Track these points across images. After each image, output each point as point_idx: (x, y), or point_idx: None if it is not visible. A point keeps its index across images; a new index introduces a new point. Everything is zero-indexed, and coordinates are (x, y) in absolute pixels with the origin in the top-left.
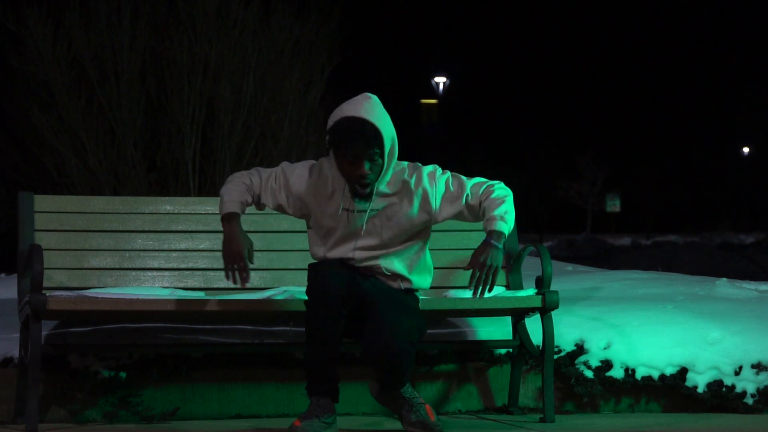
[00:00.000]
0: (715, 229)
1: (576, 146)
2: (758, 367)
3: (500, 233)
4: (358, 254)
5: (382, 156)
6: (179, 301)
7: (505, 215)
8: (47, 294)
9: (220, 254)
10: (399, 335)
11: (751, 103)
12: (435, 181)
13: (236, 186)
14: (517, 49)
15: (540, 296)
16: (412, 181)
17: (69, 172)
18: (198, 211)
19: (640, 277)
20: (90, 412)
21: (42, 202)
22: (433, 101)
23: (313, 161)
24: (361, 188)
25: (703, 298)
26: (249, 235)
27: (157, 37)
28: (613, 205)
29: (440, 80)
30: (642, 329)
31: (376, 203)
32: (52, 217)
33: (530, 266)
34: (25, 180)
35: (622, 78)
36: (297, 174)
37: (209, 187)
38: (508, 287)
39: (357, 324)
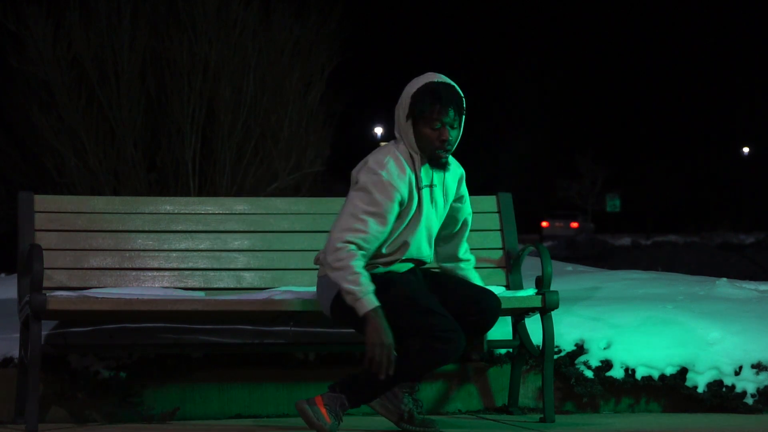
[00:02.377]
0: (715, 229)
1: (576, 146)
2: (758, 367)
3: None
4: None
5: (460, 125)
6: (179, 301)
7: None
8: (47, 294)
9: (219, 254)
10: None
11: (751, 103)
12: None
13: (357, 272)
14: (517, 49)
15: (540, 296)
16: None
17: (69, 172)
18: (198, 211)
19: (640, 277)
20: (90, 412)
21: (42, 202)
22: None
23: (380, 161)
24: (443, 153)
25: (703, 298)
26: (248, 235)
27: (157, 37)
28: (613, 205)
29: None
30: (642, 329)
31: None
32: (52, 217)
33: (530, 266)
34: (25, 180)
35: (623, 78)
36: (396, 189)
37: (209, 187)
38: (508, 287)
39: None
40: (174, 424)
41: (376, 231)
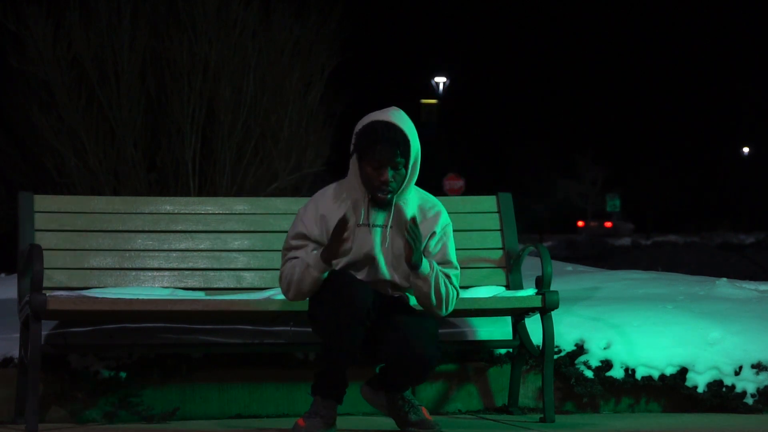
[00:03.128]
0: (715, 229)
1: (576, 146)
2: (758, 367)
3: (422, 266)
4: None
5: (406, 167)
6: (179, 301)
7: (440, 282)
8: (47, 294)
9: (219, 254)
10: (429, 342)
11: (751, 103)
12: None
13: (295, 268)
14: (517, 49)
15: (540, 296)
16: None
17: (69, 172)
18: (198, 211)
19: (640, 277)
20: (90, 412)
21: (42, 202)
22: (433, 101)
23: (307, 203)
24: (381, 194)
25: (703, 298)
26: (248, 235)
27: (157, 37)
28: (613, 205)
29: (440, 80)
30: (642, 329)
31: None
32: (52, 217)
33: (530, 266)
34: (25, 180)
35: (623, 78)
36: (310, 222)
37: (209, 187)
38: (508, 287)
39: (372, 333)
40: (174, 424)
41: (300, 244)
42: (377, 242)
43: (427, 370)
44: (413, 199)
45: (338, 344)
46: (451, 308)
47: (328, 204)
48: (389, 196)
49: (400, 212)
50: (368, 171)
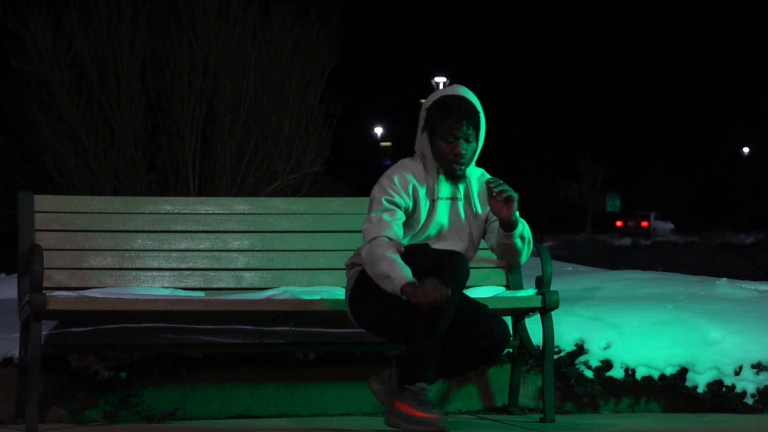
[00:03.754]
0: (715, 229)
1: (576, 146)
2: (758, 367)
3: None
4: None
5: (476, 138)
6: (179, 301)
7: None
8: (47, 294)
9: (219, 254)
10: (503, 324)
11: (751, 103)
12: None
13: (389, 257)
14: (517, 49)
15: (540, 296)
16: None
17: (69, 172)
18: (198, 211)
19: (640, 277)
20: (90, 412)
21: (42, 202)
22: None
23: (388, 177)
24: (456, 167)
25: (703, 298)
26: (248, 235)
27: (157, 37)
28: (613, 205)
29: (440, 80)
30: (642, 329)
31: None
32: (52, 217)
33: (530, 266)
34: (25, 180)
35: (622, 78)
36: (402, 191)
37: (209, 187)
38: (508, 287)
39: None
40: (174, 424)
41: (392, 220)
42: (450, 216)
43: (500, 351)
44: (473, 171)
45: (437, 322)
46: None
47: (417, 177)
48: (462, 167)
49: (467, 184)
50: (441, 145)
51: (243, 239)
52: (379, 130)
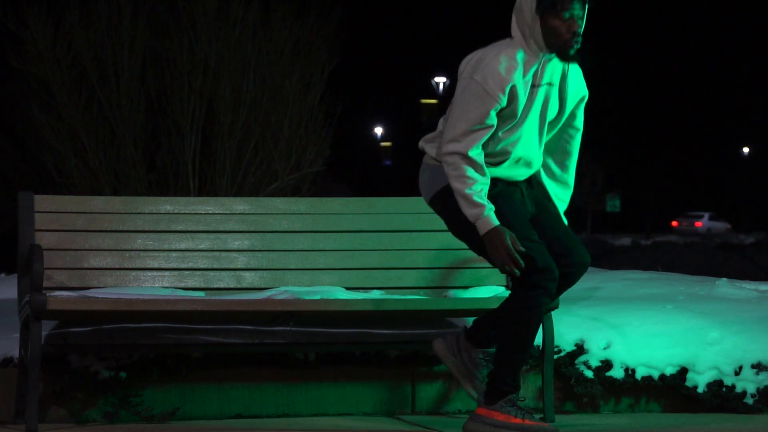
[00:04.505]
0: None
1: None
2: (758, 367)
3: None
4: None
5: (583, 24)
6: (179, 301)
7: None
8: (47, 294)
9: (219, 254)
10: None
11: (751, 103)
12: None
13: (476, 188)
14: None
15: None
16: None
17: (69, 172)
18: (198, 211)
19: (640, 277)
20: (90, 412)
21: (42, 202)
22: (433, 101)
23: (490, 64)
24: (571, 46)
25: (703, 298)
26: (248, 235)
27: (157, 37)
28: (613, 205)
29: (440, 80)
30: (642, 329)
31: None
32: (52, 217)
33: None
34: (25, 180)
35: (622, 78)
36: (498, 95)
37: (209, 187)
38: (508, 287)
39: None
40: (174, 424)
41: (480, 137)
42: (541, 101)
43: (583, 273)
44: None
45: (535, 320)
46: None
47: (512, 71)
48: (576, 46)
49: (564, 67)
50: (556, 24)
51: (243, 239)
52: (379, 130)
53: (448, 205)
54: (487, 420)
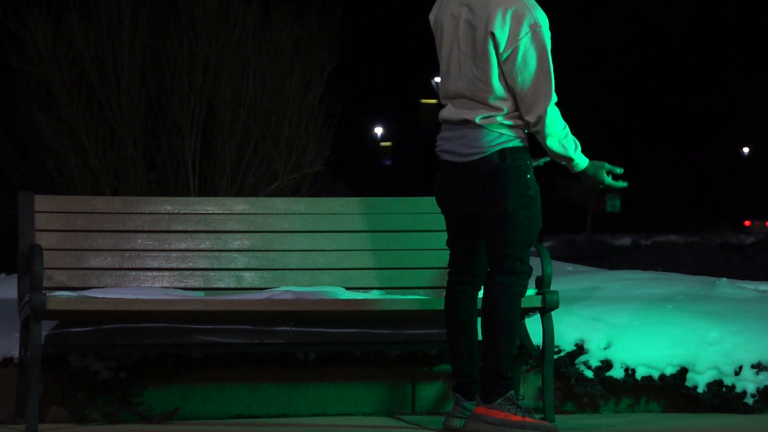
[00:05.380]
0: (715, 229)
1: None
2: (758, 367)
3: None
4: None
5: None
6: (179, 301)
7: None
8: (47, 294)
9: (219, 254)
10: None
11: (751, 103)
12: None
13: (570, 137)
14: None
15: (540, 296)
16: None
17: (69, 172)
18: (198, 211)
19: (640, 277)
20: (90, 412)
21: (42, 202)
22: (433, 101)
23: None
24: None
25: (703, 298)
26: (248, 235)
27: (157, 37)
28: (613, 205)
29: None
30: (642, 329)
31: None
32: (52, 217)
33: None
34: (25, 180)
35: (622, 78)
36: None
37: (209, 187)
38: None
39: None
40: (174, 424)
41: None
42: None
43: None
44: None
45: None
46: None
47: None
48: None
49: None
50: None
51: (243, 239)
52: (379, 130)
53: (515, 164)
54: (487, 419)
